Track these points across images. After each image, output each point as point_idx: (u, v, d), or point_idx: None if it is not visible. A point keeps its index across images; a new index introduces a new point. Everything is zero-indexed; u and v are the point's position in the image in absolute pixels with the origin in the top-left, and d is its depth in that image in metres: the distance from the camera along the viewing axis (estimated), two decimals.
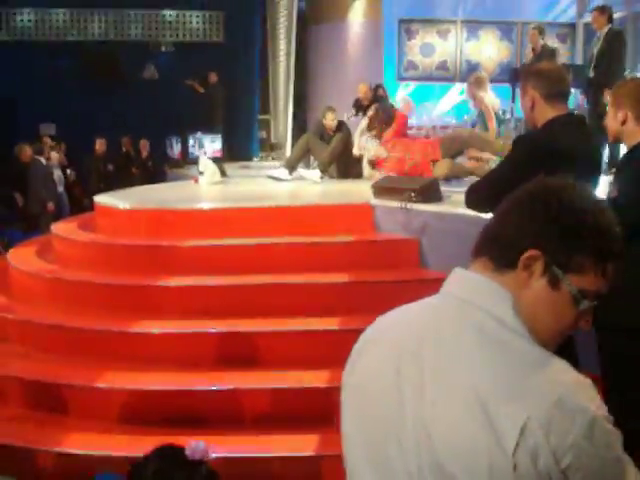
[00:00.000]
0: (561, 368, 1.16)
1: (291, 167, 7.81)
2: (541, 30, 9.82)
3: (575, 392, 1.11)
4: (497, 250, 1.25)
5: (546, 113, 3.17)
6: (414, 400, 1.18)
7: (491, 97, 8.14)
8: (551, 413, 1.07)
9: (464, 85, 13.73)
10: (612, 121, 3.22)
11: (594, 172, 3.27)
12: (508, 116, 8.73)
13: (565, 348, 3.41)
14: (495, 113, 8.04)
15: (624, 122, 3.17)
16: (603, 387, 3.36)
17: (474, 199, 3.31)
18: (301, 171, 7.78)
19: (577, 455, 1.07)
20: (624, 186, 3.13)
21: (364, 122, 7.89)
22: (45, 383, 4.48)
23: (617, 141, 3.29)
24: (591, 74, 7.81)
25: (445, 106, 13.99)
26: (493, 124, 8.02)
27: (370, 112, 8.01)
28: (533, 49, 9.67)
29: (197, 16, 13.88)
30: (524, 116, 3.42)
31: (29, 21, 13.54)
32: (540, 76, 3.20)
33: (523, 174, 3.05)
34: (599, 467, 1.10)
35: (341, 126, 8.04)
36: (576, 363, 3.65)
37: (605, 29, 7.87)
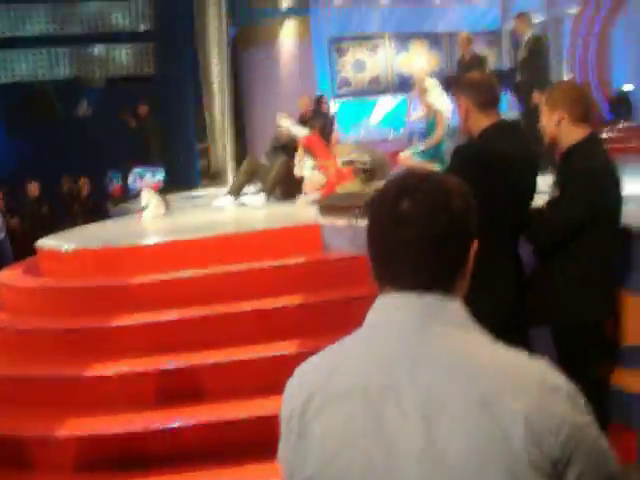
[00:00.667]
0: (523, 355, 1.21)
1: (236, 194, 7.80)
2: (469, 37, 10.03)
3: (547, 373, 1.18)
4: (432, 277, 1.24)
5: (480, 121, 3.24)
6: (411, 434, 1.13)
7: (442, 102, 8.26)
8: (539, 398, 1.12)
9: (397, 96, 14.04)
10: (548, 122, 3.30)
11: (532, 175, 3.35)
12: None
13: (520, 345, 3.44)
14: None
15: (559, 123, 3.25)
16: None
17: None
18: (244, 199, 7.78)
19: (569, 427, 1.13)
20: (564, 191, 3.22)
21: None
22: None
23: (553, 142, 3.37)
24: (518, 78, 8.04)
25: (377, 118, 14.18)
26: (441, 131, 8.14)
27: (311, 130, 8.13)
28: (463, 57, 9.88)
29: (127, 49, 13.79)
30: (460, 126, 3.49)
31: None
32: (472, 86, 3.28)
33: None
34: (587, 432, 1.17)
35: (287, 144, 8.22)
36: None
37: (527, 34, 8.11)
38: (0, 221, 10.93)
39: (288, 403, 1.28)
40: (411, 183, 1.26)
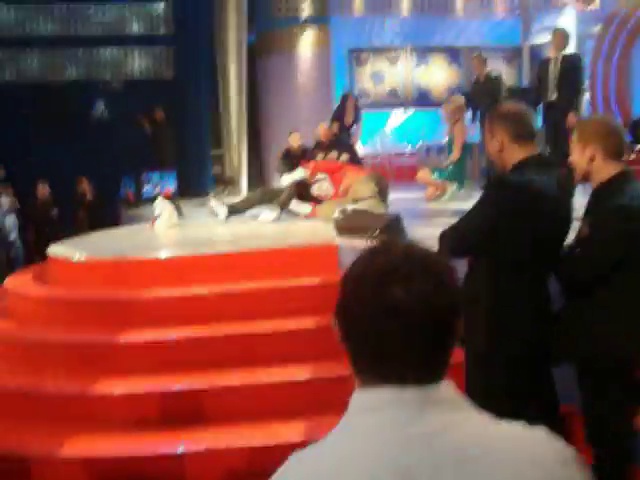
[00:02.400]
0: (521, 426, 1.17)
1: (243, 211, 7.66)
2: (482, 58, 9.88)
3: (556, 447, 1.13)
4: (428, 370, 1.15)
5: (515, 154, 3.14)
6: None
7: (463, 126, 8.21)
8: (557, 474, 1.09)
9: (409, 109, 13.93)
10: (580, 159, 3.18)
11: (566, 212, 3.24)
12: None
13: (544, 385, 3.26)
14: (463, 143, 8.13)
15: (592, 159, 3.13)
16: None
17: (444, 247, 3.24)
18: (256, 213, 7.59)
19: None
20: (598, 229, 3.10)
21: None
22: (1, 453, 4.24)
23: (585, 179, 3.25)
24: (552, 97, 7.72)
25: (391, 129, 14.09)
26: (457, 154, 8.07)
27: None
28: (478, 77, 9.77)
29: (145, 53, 13.73)
30: (492, 157, 3.38)
31: None
32: (507, 118, 3.17)
33: (493, 218, 3.03)
34: None
35: (304, 152, 8.16)
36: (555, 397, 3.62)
37: (564, 51, 7.88)
38: (13, 220, 10.89)
39: None
40: (397, 262, 1.14)
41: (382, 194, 6.98)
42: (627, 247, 3.08)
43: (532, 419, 3.13)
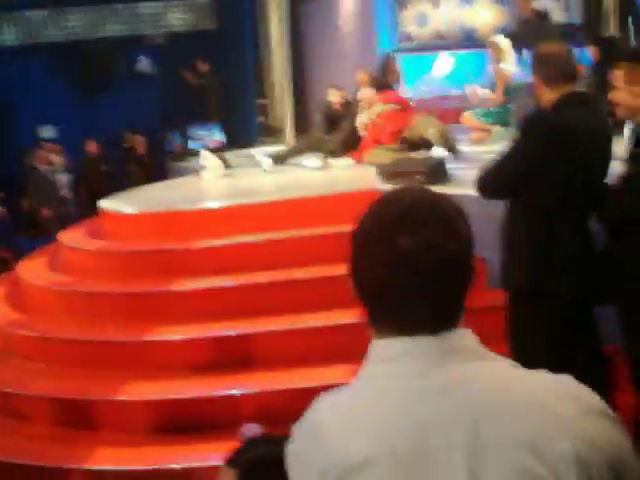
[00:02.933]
0: (551, 378, 1.14)
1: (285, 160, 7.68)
2: None
3: (583, 395, 1.10)
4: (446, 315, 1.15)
5: (549, 96, 3.12)
6: None
7: (509, 67, 7.99)
8: (583, 431, 1.05)
9: (457, 51, 13.67)
10: (627, 96, 3.13)
11: (605, 148, 3.20)
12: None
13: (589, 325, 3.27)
14: (506, 85, 7.94)
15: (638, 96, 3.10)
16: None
17: (482, 190, 3.26)
18: (303, 161, 7.61)
19: (622, 454, 1.08)
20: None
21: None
22: (68, 399, 4.48)
23: (629, 117, 3.21)
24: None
25: (439, 74, 13.83)
26: (498, 95, 7.94)
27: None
28: (525, 15, 9.43)
29: (185, 5, 13.71)
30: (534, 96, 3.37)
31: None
32: (541, 61, 3.15)
33: (529, 158, 3.02)
34: (632, 455, 1.10)
35: (347, 107, 8.03)
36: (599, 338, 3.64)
37: None
38: (65, 178, 11.14)
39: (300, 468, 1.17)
40: (405, 211, 1.13)
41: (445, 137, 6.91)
42: None
43: (574, 359, 3.19)
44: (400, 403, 1.09)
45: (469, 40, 13.57)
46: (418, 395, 1.09)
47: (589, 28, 7.56)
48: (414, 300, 1.11)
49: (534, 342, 3.09)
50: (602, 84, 5.72)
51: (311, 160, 7.37)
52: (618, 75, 3.16)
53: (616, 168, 3.27)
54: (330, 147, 7.47)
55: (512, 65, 8.04)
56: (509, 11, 13.98)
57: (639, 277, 3.08)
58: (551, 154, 2.99)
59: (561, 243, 3.08)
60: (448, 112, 11.89)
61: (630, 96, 3.09)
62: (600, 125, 3.16)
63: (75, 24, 13.24)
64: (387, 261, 1.11)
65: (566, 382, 1.12)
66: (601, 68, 6.50)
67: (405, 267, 1.09)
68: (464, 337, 1.14)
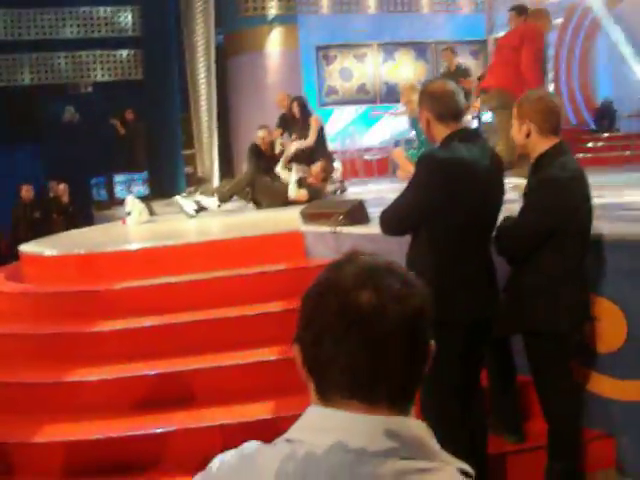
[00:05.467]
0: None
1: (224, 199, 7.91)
2: (453, 50, 10.18)
3: None
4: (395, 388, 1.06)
5: (441, 132, 3.22)
6: None
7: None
8: None
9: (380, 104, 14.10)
10: (517, 134, 3.36)
11: (497, 181, 3.32)
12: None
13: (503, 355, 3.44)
14: None
15: (528, 135, 3.30)
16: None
17: (385, 227, 3.34)
18: (200, 198, 7.86)
19: None
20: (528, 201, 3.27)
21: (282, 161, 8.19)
22: None
23: (524, 153, 3.42)
24: None
25: (360, 125, 14.22)
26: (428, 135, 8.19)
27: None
28: (448, 68, 10.01)
29: (114, 55, 13.78)
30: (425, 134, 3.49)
31: None
32: (431, 98, 3.25)
33: (427, 194, 3.12)
34: None
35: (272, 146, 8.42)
36: (513, 368, 3.76)
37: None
38: None
39: None
40: (361, 269, 1.07)
41: None
42: (557, 217, 3.22)
43: (476, 388, 3.28)
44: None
45: (392, 94, 14.03)
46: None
47: None
48: (370, 371, 1.02)
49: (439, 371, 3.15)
50: None
51: (209, 200, 7.65)
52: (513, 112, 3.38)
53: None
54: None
55: None
56: (429, 67, 14.57)
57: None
58: (448, 187, 3.08)
59: (461, 273, 3.16)
60: (372, 164, 12.25)
61: (519, 134, 3.32)
62: (487, 160, 3.26)
63: (3, 69, 13.15)
64: (344, 322, 1.02)
65: None
66: None
67: (356, 325, 1.02)
68: (412, 427, 1.04)
